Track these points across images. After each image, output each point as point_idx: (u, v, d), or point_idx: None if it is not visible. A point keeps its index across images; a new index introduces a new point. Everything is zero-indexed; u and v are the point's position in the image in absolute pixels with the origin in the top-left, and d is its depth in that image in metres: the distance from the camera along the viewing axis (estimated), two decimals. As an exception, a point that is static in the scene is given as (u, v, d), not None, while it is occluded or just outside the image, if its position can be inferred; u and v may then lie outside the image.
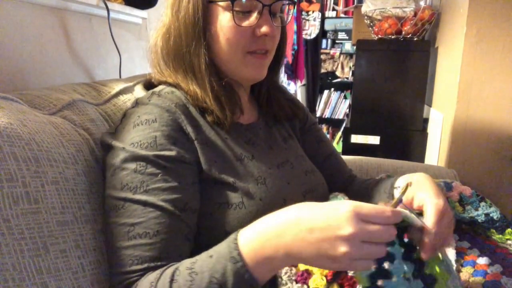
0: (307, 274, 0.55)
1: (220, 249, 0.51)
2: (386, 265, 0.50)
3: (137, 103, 0.66)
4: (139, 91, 0.86)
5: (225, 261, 0.49)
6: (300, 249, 0.46)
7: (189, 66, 0.68)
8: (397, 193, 0.67)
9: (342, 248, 0.43)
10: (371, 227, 0.43)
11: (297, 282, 0.56)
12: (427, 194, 0.58)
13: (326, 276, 0.55)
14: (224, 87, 0.68)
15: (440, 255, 0.55)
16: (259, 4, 0.65)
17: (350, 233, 0.42)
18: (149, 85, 0.78)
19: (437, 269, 0.53)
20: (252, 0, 0.64)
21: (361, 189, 0.84)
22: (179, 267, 0.52)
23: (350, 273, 0.54)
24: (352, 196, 0.78)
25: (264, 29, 0.65)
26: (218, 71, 0.69)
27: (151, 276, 0.53)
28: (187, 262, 0.52)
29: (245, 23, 0.65)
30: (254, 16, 0.65)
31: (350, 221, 0.43)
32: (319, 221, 0.45)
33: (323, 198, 0.77)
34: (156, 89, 0.69)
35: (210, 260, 0.50)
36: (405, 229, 0.53)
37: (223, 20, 0.65)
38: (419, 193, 0.59)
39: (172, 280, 0.50)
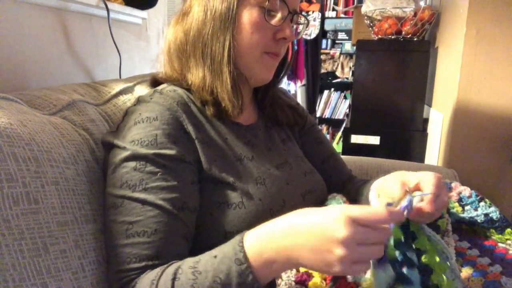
0: (307, 276, 0.54)
1: (225, 250, 0.51)
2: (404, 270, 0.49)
3: (138, 101, 0.67)
4: (144, 89, 0.86)
5: (230, 262, 0.49)
6: (299, 254, 0.46)
7: (209, 51, 0.67)
8: (372, 196, 0.66)
9: (338, 252, 0.42)
10: (365, 229, 0.43)
11: (296, 283, 0.56)
12: (417, 174, 0.59)
13: (325, 280, 0.54)
14: (234, 80, 0.68)
15: (440, 246, 0.55)
16: (286, 9, 0.67)
17: (344, 236, 0.42)
18: (155, 82, 0.78)
19: (436, 259, 0.52)
20: (282, 3, 0.67)
21: (352, 190, 0.85)
22: (181, 266, 0.52)
23: (349, 279, 0.54)
24: (348, 197, 0.78)
25: (287, 33, 0.68)
26: (234, 62, 0.69)
27: (151, 274, 0.53)
28: (189, 261, 0.52)
29: (272, 21, 0.67)
30: (278, 17, 0.67)
31: (343, 224, 0.43)
32: (315, 228, 0.45)
33: (322, 199, 0.77)
34: (158, 88, 0.70)
35: (214, 260, 0.50)
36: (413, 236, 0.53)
37: (251, 14, 0.66)
38: (409, 176, 0.60)
39: (174, 278, 0.50)
